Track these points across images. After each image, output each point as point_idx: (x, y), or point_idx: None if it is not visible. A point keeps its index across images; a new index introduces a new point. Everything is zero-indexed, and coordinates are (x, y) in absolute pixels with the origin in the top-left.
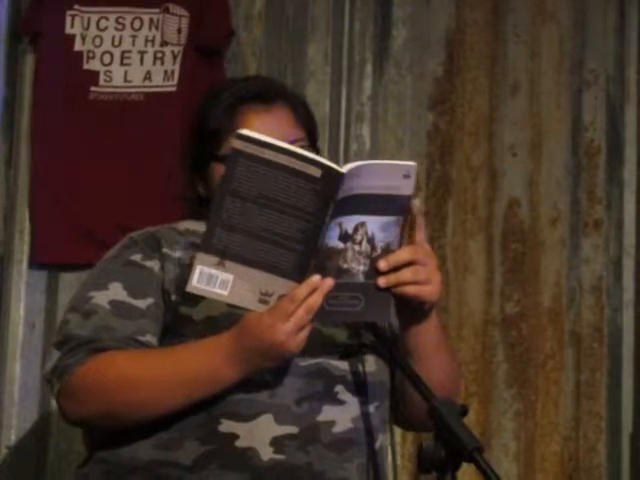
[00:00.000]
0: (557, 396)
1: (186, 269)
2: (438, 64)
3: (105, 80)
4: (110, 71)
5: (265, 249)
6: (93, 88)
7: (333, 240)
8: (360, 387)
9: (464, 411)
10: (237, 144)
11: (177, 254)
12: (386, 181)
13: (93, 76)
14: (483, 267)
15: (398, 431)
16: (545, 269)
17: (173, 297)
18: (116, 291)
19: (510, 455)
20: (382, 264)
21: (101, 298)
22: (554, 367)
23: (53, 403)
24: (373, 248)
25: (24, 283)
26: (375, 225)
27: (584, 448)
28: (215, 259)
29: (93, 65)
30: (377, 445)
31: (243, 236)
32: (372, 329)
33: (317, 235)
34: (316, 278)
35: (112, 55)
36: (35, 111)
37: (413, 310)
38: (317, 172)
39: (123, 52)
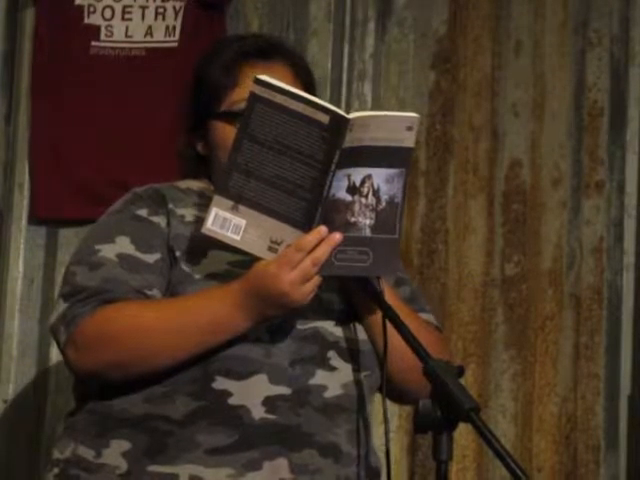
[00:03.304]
0: (555, 358)
1: (189, 227)
2: (441, 23)
3: (106, 35)
4: (111, 26)
5: (277, 196)
6: (94, 43)
7: (341, 192)
8: (352, 354)
9: (460, 372)
10: (255, 89)
11: (181, 211)
12: (390, 133)
13: (94, 31)
14: (483, 228)
15: None
16: (546, 230)
17: (177, 254)
18: (123, 244)
19: (508, 416)
20: None
21: (108, 251)
22: (553, 329)
23: (51, 358)
24: (378, 201)
25: (23, 239)
26: (380, 177)
27: (582, 409)
28: (230, 203)
29: (94, 20)
30: (366, 413)
31: (258, 182)
32: (371, 292)
33: (324, 184)
34: (323, 229)
35: (113, 10)
36: (35, 66)
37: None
38: (325, 118)
39: (124, 7)
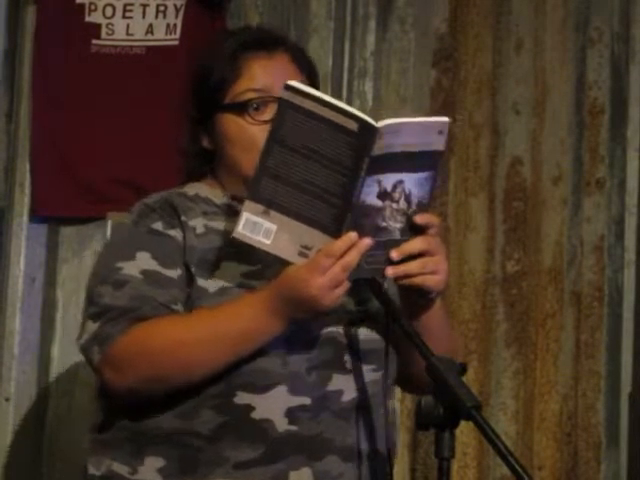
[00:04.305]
0: (556, 355)
1: (201, 239)
2: (442, 20)
3: (107, 33)
4: (112, 24)
5: (307, 202)
6: (95, 41)
7: (371, 197)
8: (367, 355)
9: (463, 369)
10: (284, 95)
11: (192, 223)
12: (422, 138)
13: (95, 29)
14: (484, 225)
15: (397, 389)
16: (546, 228)
17: (192, 269)
18: (145, 260)
19: (509, 413)
20: (394, 254)
21: (131, 268)
22: (554, 326)
23: (53, 356)
24: (409, 205)
25: (24, 237)
26: (412, 182)
27: (583, 407)
28: (261, 207)
29: (95, 18)
30: (383, 411)
31: (288, 187)
32: (373, 291)
33: (353, 190)
34: (353, 235)
35: (114, 8)
36: (36, 64)
37: (418, 298)
38: (354, 126)
39: (125, 5)
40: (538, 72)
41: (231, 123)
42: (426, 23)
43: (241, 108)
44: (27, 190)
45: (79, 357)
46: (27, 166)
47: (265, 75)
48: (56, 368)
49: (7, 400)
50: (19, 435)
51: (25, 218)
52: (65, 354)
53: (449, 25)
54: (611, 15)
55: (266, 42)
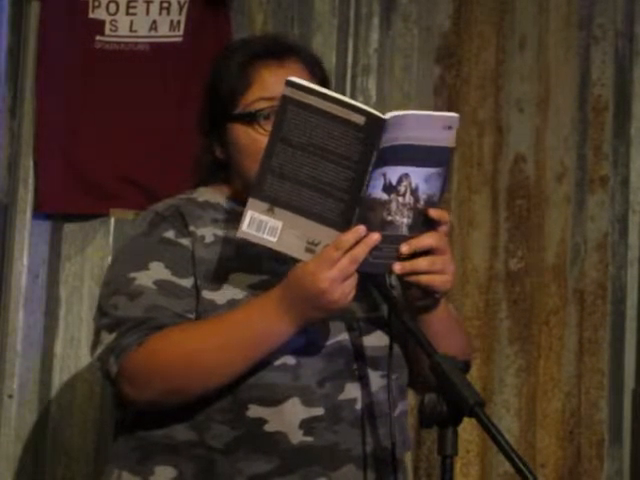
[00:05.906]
0: (559, 352)
1: (209, 249)
2: (446, 17)
3: (111, 30)
4: (116, 20)
5: (313, 197)
6: (98, 37)
7: (377, 191)
8: (378, 361)
9: (466, 367)
10: (286, 91)
11: (201, 232)
12: (428, 132)
13: (98, 25)
14: (488, 223)
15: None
16: (550, 225)
17: (199, 282)
18: (158, 270)
19: (512, 411)
20: (404, 249)
21: (144, 279)
22: (557, 324)
23: (56, 353)
24: (417, 200)
25: (28, 233)
26: (419, 177)
27: (586, 404)
28: (265, 205)
29: (99, 14)
30: (396, 413)
31: (293, 183)
32: (377, 286)
33: (361, 184)
34: (361, 228)
35: (118, 4)
36: (40, 60)
37: (423, 297)
38: (361, 119)
39: (129, 1)
40: (542, 69)
41: (242, 133)
42: (430, 20)
43: (251, 118)
44: (30, 187)
45: (82, 353)
46: (31, 162)
47: (276, 83)
48: (59, 364)
49: (10, 397)
50: (22, 432)
51: (28, 215)
52: (68, 350)
53: (453, 22)
54: (615, 13)
55: (277, 50)
